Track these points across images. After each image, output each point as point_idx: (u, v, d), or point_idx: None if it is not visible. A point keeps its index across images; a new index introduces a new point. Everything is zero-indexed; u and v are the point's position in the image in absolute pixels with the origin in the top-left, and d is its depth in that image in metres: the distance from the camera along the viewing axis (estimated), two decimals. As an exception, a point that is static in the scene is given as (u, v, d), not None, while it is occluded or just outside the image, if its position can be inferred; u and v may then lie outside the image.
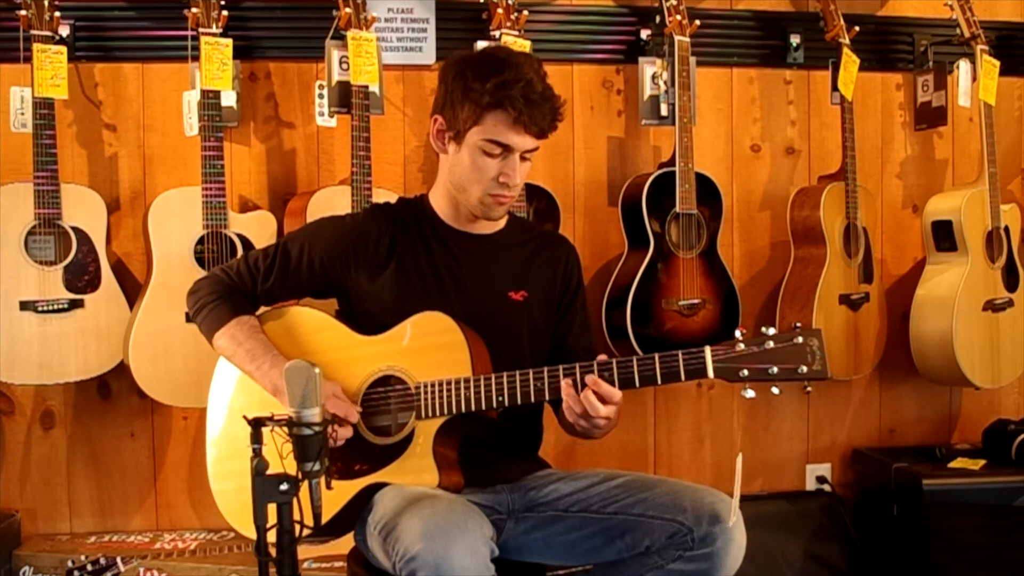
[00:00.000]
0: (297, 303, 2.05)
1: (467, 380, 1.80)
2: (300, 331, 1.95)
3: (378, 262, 1.94)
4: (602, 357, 1.77)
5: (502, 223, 2.05)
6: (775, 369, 1.68)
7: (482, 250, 2.00)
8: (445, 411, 1.81)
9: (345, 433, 1.82)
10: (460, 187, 1.92)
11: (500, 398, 1.78)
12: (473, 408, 1.79)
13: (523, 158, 1.88)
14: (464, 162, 1.88)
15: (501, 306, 1.97)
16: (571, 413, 1.76)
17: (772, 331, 1.70)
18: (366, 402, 1.88)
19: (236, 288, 1.96)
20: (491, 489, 1.94)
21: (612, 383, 1.74)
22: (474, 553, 1.60)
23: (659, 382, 1.73)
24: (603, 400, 1.73)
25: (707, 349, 1.70)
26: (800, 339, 1.68)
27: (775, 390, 1.70)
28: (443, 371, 1.82)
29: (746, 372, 1.68)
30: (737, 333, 1.71)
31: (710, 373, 1.69)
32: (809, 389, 1.72)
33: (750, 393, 1.68)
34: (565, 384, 1.75)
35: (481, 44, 2.75)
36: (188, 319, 2.51)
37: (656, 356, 1.72)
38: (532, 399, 1.79)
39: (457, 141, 1.89)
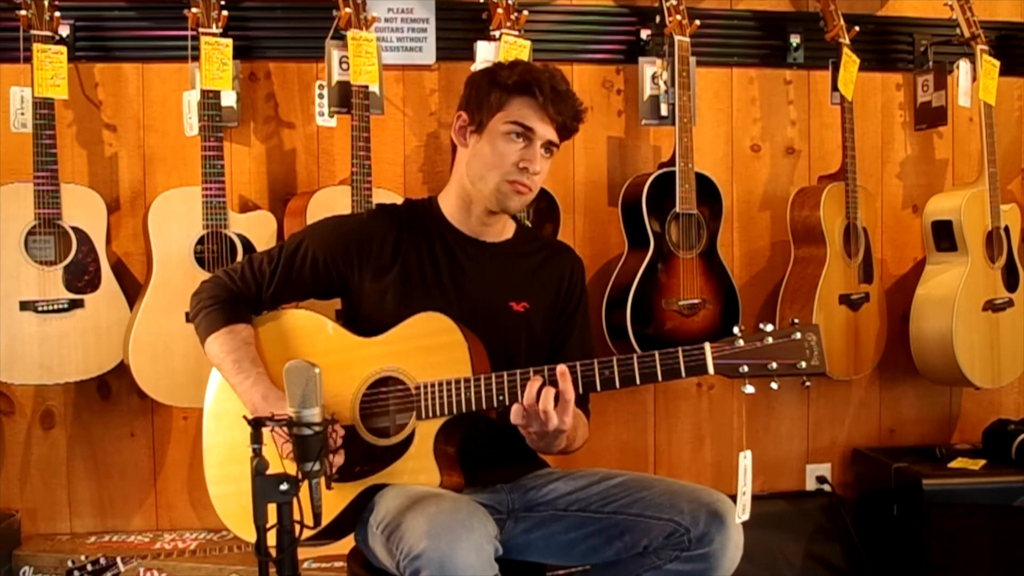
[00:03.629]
0: (296, 305, 2.04)
1: (467, 380, 1.79)
2: (296, 334, 1.94)
3: (382, 264, 1.94)
4: None
5: (510, 232, 2.04)
6: (774, 364, 1.70)
7: (488, 258, 1.99)
8: (446, 411, 1.81)
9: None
10: (478, 176, 1.92)
11: (501, 397, 1.78)
12: (474, 408, 1.79)
13: (543, 153, 1.91)
14: (485, 151, 1.91)
15: (501, 315, 1.96)
16: (532, 409, 1.73)
17: (770, 327, 1.71)
18: (365, 404, 1.87)
19: (238, 294, 1.95)
20: (491, 489, 1.94)
21: (613, 380, 1.74)
22: (479, 551, 1.60)
23: (660, 379, 1.74)
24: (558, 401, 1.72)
25: (707, 346, 1.72)
26: (798, 335, 1.70)
27: (774, 385, 1.71)
28: (442, 371, 1.82)
29: (746, 368, 1.70)
30: (736, 330, 1.72)
31: (710, 369, 1.71)
32: (808, 384, 1.73)
33: (750, 388, 1.69)
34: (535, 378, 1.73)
35: (481, 44, 2.76)
36: (187, 319, 2.52)
37: (656, 353, 1.74)
38: None
39: (479, 132, 1.92)
